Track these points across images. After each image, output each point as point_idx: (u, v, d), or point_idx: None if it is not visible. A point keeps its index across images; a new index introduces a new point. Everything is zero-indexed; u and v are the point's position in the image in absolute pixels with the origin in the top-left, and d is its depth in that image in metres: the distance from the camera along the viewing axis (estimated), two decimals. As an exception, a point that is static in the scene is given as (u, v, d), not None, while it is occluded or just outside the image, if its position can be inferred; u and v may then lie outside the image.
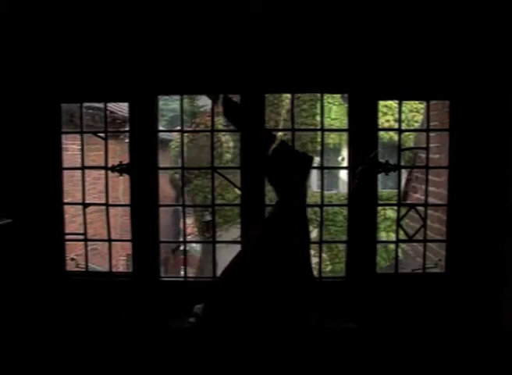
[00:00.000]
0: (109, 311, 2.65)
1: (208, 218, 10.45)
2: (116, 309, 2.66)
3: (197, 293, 2.67)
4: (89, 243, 2.84)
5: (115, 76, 2.67)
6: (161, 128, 2.81)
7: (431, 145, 2.80)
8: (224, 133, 11.92)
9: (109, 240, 2.80)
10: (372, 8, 2.53)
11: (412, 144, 5.50)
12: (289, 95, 2.83)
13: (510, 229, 2.54)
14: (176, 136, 11.59)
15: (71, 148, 3.57)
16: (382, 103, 2.79)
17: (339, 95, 10.76)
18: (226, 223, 10.48)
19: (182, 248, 3.25)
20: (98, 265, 5.30)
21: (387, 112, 11.29)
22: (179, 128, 2.91)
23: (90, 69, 2.66)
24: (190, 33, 2.59)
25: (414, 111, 11.60)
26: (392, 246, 2.81)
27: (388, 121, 11.23)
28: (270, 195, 2.79)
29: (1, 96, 2.67)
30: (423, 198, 2.78)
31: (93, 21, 2.60)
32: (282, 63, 2.59)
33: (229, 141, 11.92)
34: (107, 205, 2.79)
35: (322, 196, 2.74)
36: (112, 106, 7.21)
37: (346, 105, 2.69)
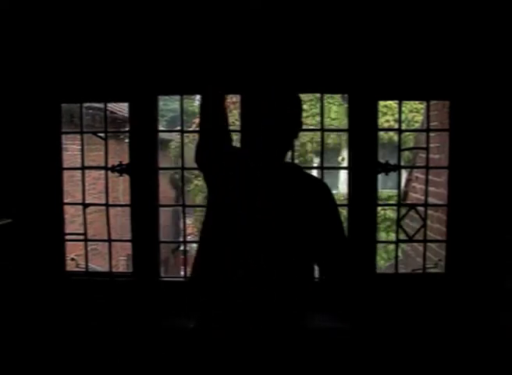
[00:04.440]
0: (109, 311, 2.65)
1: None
2: (116, 309, 2.66)
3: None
4: (89, 243, 2.84)
5: (115, 76, 2.67)
6: (161, 128, 2.80)
7: (431, 145, 2.80)
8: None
9: (109, 240, 2.80)
10: (372, 8, 2.53)
11: (412, 144, 5.51)
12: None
13: (510, 229, 2.54)
14: (176, 136, 11.59)
15: (71, 148, 3.57)
16: (382, 103, 2.79)
17: (339, 95, 10.78)
18: (226, 223, 10.47)
19: (182, 248, 3.24)
20: (98, 265, 5.30)
21: (387, 112, 11.31)
22: (179, 128, 2.91)
23: (90, 69, 2.66)
24: (189, 33, 2.59)
25: (414, 111, 11.63)
26: (392, 246, 2.81)
27: (388, 121, 11.25)
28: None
29: (1, 96, 2.67)
30: (423, 198, 2.78)
31: (93, 21, 2.60)
32: (282, 63, 2.59)
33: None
34: (107, 205, 2.79)
35: (322, 196, 2.73)
36: (112, 106, 7.21)
37: (346, 105, 2.68)
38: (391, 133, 10.56)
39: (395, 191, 8.36)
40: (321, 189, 1.78)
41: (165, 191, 10.00)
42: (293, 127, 1.76)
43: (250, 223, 1.68)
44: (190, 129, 12.25)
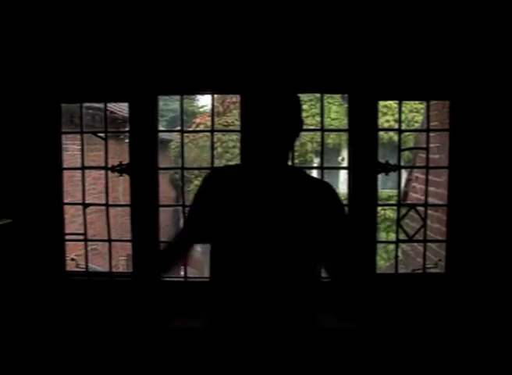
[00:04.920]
0: (109, 311, 2.65)
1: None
2: (116, 309, 2.66)
3: (197, 293, 2.69)
4: (89, 243, 2.84)
5: (115, 76, 2.67)
6: (161, 128, 2.80)
7: (431, 145, 2.80)
8: (224, 133, 11.94)
9: (109, 240, 2.80)
10: (372, 8, 2.53)
11: (412, 144, 5.51)
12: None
13: (510, 229, 2.54)
14: (175, 136, 11.59)
15: (71, 148, 3.57)
16: (382, 103, 2.79)
17: (339, 95, 10.78)
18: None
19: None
20: (98, 265, 5.30)
21: (387, 112, 11.31)
22: (179, 128, 2.91)
23: (90, 69, 2.66)
24: (189, 33, 2.59)
25: (414, 111, 11.63)
26: (392, 246, 2.81)
27: (388, 121, 11.25)
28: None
29: (1, 96, 2.67)
30: (423, 198, 2.78)
31: (93, 21, 2.60)
32: (282, 63, 2.59)
33: (229, 141, 11.92)
34: (107, 205, 2.79)
35: (322, 196, 2.73)
36: (112, 106, 7.21)
37: (346, 105, 2.68)
38: (391, 133, 10.56)
39: (395, 191, 8.36)
40: (325, 190, 1.77)
41: (165, 191, 10.00)
42: (294, 126, 1.75)
43: (251, 223, 1.68)
44: (190, 129, 12.26)
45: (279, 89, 1.76)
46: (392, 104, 10.75)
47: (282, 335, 1.68)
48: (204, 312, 1.79)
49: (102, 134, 2.80)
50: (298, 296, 1.71)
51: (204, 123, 13.39)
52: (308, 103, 11.37)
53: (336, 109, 12.01)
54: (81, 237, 2.81)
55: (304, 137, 11.33)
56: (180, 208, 2.84)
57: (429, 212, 2.93)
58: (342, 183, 10.32)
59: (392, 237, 3.06)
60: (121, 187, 5.76)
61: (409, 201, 4.85)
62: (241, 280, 1.66)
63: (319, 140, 2.78)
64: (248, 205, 1.69)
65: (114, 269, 2.86)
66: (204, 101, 19.82)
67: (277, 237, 1.67)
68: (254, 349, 1.66)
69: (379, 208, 3.23)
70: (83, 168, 2.79)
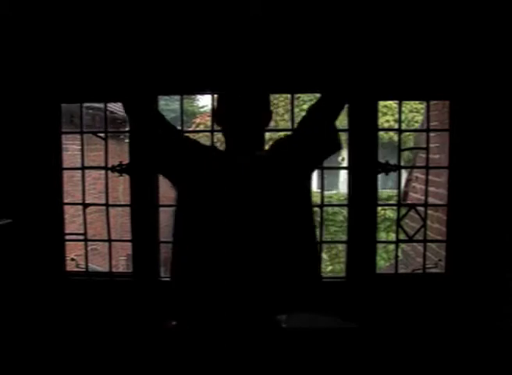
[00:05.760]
0: (109, 311, 2.65)
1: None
2: (116, 309, 2.66)
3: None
4: (89, 243, 2.84)
5: (115, 76, 2.66)
6: (161, 128, 2.80)
7: (431, 145, 2.80)
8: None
9: (109, 240, 2.80)
10: (372, 9, 2.53)
11: (412, 144, 5.51)
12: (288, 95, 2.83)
13: (510, 229, 2.54)
14: (175, 136, 11.53)
15: (71, 148, 3.57)
16: (382, 103, 2.79)
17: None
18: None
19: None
20: (98, 265, 5.30)
21: (387, 112, 11.29)
22: (179, 128, 2.91)
23: (90, 69, 2.65)
24: (189, 33, 2.59)
25: (414, 111, 11.61)
26: (392, 246, 2.82)
27: (388, 121, 11.24)
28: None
29: (1, 96, 2.67)
30: (423, 198, 2.78)
31: (93, 21, 2.60)
32: (281, 63, 2.59)
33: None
34: (107, 205, 2.79)
35: (322, 196, 2.74)
36: (112, 106, 7.19)
37: (346, 105, 2.68)
38: (391, 133, 10.55)
39: (395, 191, 8.35)
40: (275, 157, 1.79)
41: (165, 191, 9.98)
42: (266, 119, 1.82)
43: (237, 222, 1.68)
44: (190, 129, 12.25)
45: (249, 87, 1.79)
46: (392, 104, 10.73)
47: (275, 334, 1.69)
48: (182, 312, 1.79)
49: (102, 134, 2.80)
50: (270, 296, 1.70)
51: (204, 123, 13.36)
52: (308, 103, 11.34)
53: (336, 109, 11.98)
54: (81, 237, 2.81)
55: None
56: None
57: (429, 212, 2.93)
58: (342, 183, 10.33)
59: (392, 237, 3.06)
60: (121, 187, 5.76)
61: (409, 201, 4.85)
62: (229, 279, 1.67)
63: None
64: (232, 204, 1.69)
65: (114, 269, 2.86)
66: (204, 101, 19.78)
67: (264, 235, 1.67)
68: (243, 348, 1.66)
69: (379, 208, 3.23)
70: (83, 168, 2.79)
